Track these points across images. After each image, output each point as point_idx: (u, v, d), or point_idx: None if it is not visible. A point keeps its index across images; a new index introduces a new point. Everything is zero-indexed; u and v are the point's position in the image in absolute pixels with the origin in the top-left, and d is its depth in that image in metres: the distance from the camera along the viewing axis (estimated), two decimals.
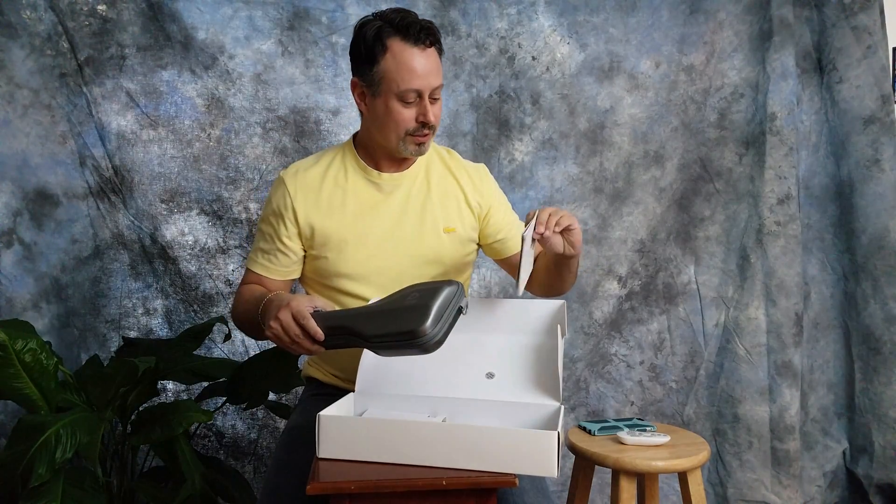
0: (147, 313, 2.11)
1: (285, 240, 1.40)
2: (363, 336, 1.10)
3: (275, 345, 1.30)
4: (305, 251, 1.43)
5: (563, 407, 1.14)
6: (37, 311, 2.00)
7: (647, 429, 1.65)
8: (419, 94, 1.31)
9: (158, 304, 2.11)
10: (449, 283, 1.12)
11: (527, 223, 1.24)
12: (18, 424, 1.46)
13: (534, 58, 2.26)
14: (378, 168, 1.43)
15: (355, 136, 1.47)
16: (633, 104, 2.31)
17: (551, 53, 2.27)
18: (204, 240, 2.12)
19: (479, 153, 2.25)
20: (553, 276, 1.40)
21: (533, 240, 1.21)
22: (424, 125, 1.33)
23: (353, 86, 1.38)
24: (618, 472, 1.51)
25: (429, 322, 1.04)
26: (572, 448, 1.61)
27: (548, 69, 2.27)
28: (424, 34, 1.30)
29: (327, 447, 1.06)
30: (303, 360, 1.71)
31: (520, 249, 1.26)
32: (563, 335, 1.21)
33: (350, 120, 2.15)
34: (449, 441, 1.01)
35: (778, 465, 2.32)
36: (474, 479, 0.99)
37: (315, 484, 0.97)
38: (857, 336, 2.37)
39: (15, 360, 1.49)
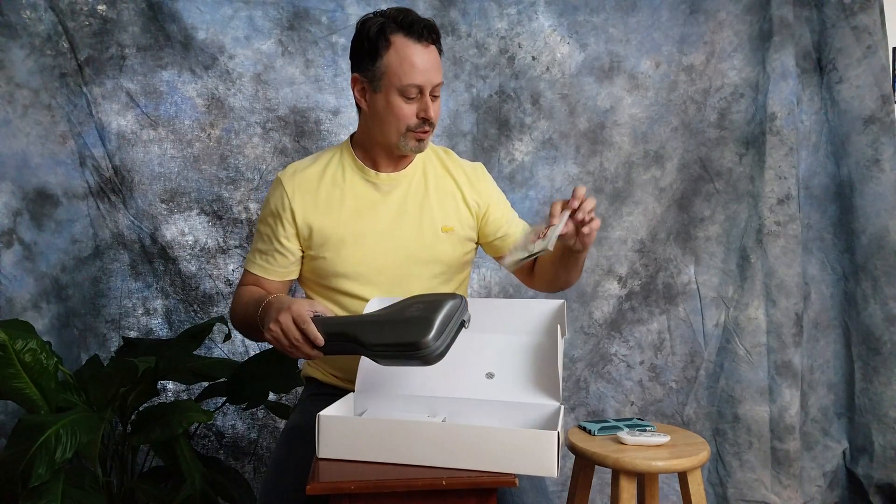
0: (147, 313, 2.11)
1: (283, 240, 1.40)
2: (363, 344, 1.10)
3: None
4: (303, 252, 1.42)
5: (563, 407, 1.14)
6: (37, 311, 2.00)
7: (647, 429, 1.65)
8: (420, 91, 1.32)
9: (158, 304, 2.11)
10: (452, 296, 1.13)
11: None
12: (18, 424, 1.46)
13: (534, 58, 2.26)
14: (375, 168, 1.43)
15: (353, 136, 1.47)
16: (633, 104, 2.31)
17: (551, 53, 2.27)
18: (204, 240, 2.12)
19: (479, 153, 2.25)
20: (559, 269, 1.40)
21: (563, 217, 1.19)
22: (425, 121, 1.34)
23: (354, 82, 1.38)
24: (618, 472, 1.51)
25: (431, 335, 1.05)
26: (572, 448, 1.61)
27: (548, 69, 2.27)
28: (427, 31, 1.32)
29: (327, 447, 1.06)
30: (302, 361, 1.71)
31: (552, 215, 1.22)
32: (563, 335, 1.20)
33: (350, 120, 2.15)
34: (449, 441, 1.01)
35: (778, 465, 2.32)
36: (474, 479, 0.99)
37: (315, 484, 0.97)
38: (857, 336, 2.37)
39: (15, 360, 1.49)
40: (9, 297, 1.97)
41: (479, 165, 1.54)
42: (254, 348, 2.13)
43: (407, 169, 1.44)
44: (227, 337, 1.95)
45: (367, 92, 1.36)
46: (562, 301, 1.27)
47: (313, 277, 1.44)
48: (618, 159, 2.31)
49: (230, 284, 2.13)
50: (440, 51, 1.36)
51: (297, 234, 1.41)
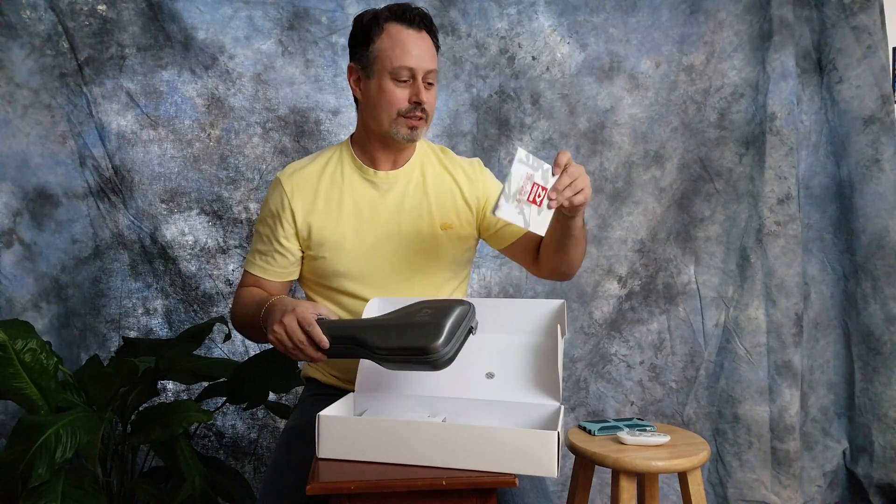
0: (147, 313, 2.11)
1: (283, 240, 1.40)
2: (370, 347, 1.09)
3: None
4: (303, 252, 1.42)
5: (563, 407, 1.14)
6: (37, 311, 2.00)
7: (647, 429, 1.65)
8: (412, 74, 1.32)
9: (158, 304, 2.11)
10: (461, 302, 1.13)
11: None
12: (18, 424, 1.46)
13: (534, 58, 2.26)
14: (374, 166, 1.43)
15: (352, 136, 1.47)
16: (634, 104, 2.31)
17: (551, 53, 2.27)
18: (204, 240, 2.11)
19: (480, 153, 2.25)
20: (557, 243, 1.34)
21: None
22: (417, 106, 1.33)
23: (350, 72, 1.40)
24: (618, 472, 1.51)
25: (441, 340, 1.04)
26: (572, 448, 1.61)
27: (548, 69, 2.27)
28: (419, 18, 1.34)
29: (327, 447, 1.06)
30: (302, 361, 1.71)
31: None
32: (563, 335, 1.20)
33: (350, 120, 2.15)
34: (449, 441, 1.01)
35: (778, 465, 2.32)
36: (474, 479, 0.99)
37: (315, 484, 0.97)
38: (857, 336, 2.37)
39: (15, 360, 1.49)
40: (9, 297, 1.97)
41: (476, 160, 1.54)
42: (254, 348, 2.13)
43: (405, 167, 1.44)
44: (227, 337, 1.95)
45: (361, 80, 1.38)
46: (562, 301, 1.27)
47: (313, 277, 1.44)
48: (618, 159, 2.31)
49: (230, 284, 2.13)
50: (436, 42, 1.37)
51: (297, 234, 1.40)
